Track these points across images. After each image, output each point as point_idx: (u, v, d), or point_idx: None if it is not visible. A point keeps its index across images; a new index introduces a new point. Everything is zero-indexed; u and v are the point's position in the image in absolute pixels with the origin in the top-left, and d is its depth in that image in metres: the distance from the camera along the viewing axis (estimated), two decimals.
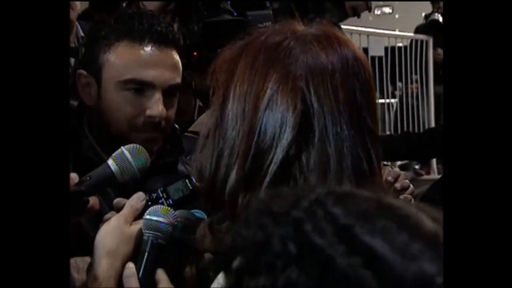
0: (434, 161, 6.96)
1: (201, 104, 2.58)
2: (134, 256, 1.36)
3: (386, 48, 6.76)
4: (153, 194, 1.44)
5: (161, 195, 1.44)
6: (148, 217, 1.36)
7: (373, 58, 6.18)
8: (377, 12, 11.64)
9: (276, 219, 0.71)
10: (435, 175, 6.66)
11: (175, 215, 1.38)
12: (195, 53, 2.29)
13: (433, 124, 7.13)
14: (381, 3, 11.49)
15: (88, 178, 1.43)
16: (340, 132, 1.14)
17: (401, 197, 1.86)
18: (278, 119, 1.13)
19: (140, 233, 1.37)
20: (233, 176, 1.15)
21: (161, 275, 1.36)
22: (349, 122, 1.14)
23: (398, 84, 7.22)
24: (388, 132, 6.85)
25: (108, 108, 1.76)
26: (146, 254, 1.35)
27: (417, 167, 6.99)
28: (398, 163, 6.13)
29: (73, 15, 2.74)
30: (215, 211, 1.22)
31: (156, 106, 1.73)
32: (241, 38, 1.23)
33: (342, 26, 4.39)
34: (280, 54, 1.16)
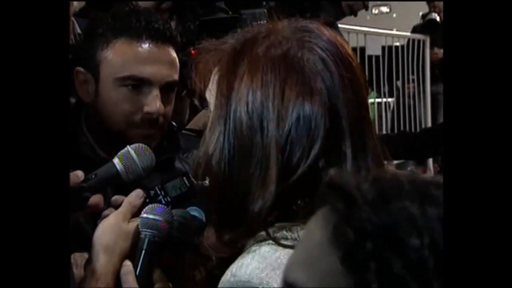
0: (430, 160, 6.97)
1: (196, 103, 2.59)
2: (132, 252, 1.37)
3: (383, 48, 6.76)
4: (151, 192, 1.44)
5: (159, 192, 1.45)
6: (145, 215, 1.37)
7: (370, 57, 6.19)
8: (375, 11, 11.63)
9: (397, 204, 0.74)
10: (431, 175, 6.66)
11: (171, 213, 1.39)
12: (192, 51, 2.29)
13: (429, 124, 7.14)
14: (378, 2, 11.48)
15: (93, 176, 1.44)
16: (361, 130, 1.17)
17: None
18: (306, 127, 1.13)
19: (138, 230, 1.37)
20: (268, 197, 1.13)
21: (157, 273, 1.37)
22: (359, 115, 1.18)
23: (396, 83, 7.23)
24: (385, 132, 6.86)
25: (106, 105, 1.77)
26: (143, 252, 1.36)
27: (413, 166, 7.00)
28: (395, 162, 6.14)
29: (70, 10, 2.74)
30: (221, 215, 1.22)
31: (153, 103, 1.73)
32: (225, 41, 1.24)
33: (339, 25, 4.40)
34: (291, 64, 1.16)
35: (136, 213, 1.39)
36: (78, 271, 1.46)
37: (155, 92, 1.74)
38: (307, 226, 0.83)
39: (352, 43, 5.69)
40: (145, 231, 1.36)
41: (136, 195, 1.41)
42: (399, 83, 7.12)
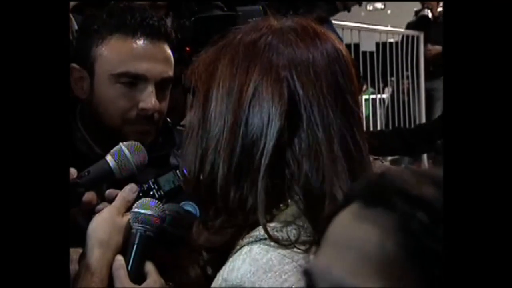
0: (425, 156, 6.98)
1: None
2: (126, 246, 1.37)
3: (377, 44, 6.77)
4: (144, 186, 1.45)
5: (152, 186, 1.46)
6: (136, 210, 1.38)
7: (364, 53, 6.19)
8: (369, 7, 11.64)
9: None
10: None
11: (163, 207, 1.39)
12: (187, 48, 2.30)
13: (424, 120, 7.14)
14: None
15: (86, 173, 1.45)
16: (327, 116, 1.17)
17: None
18: (264, 109, 1.16)
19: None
20: (220, 172, 1.16)
21: (150, 268, 1.37)
22: (334, 106, 1.18)
23: (390, 79, 7.23)
24: (379, 128, 6.87)
25: (101, 102, 1.77)
26: (135, 246, 1.37)
27: (408, 163, 7.01)
28: (389, 158, 6.15)
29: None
30: (206, 207, 1.23)
31: (149, 99, 1.74)
32: (217, 40, 1.25)
33: (333, 22, 4.39)
34: (260, 49, 1.19)
35: (130, 207, 1.40)
36: (72, 266, 1.47)
37: (150, 89, 1.75)
38: (346, 226, 0.82)
39: (347, 40, 5.69)
40: (137, 225, 1.37)
41: (129, 190, 1.42)
42: (394, 79, 7.13)
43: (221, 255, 1.19)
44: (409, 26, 7.65)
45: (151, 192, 1.45)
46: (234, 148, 1.16)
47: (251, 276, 1.09)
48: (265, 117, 1.15)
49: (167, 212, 1.40)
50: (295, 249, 1.12)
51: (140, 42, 1.75)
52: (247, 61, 1.19)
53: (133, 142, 1.51)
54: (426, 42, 7.19)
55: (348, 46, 5.79)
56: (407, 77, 7.15)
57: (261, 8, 2.38)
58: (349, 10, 4.29)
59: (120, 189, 1.43)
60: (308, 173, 1.14)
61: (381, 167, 1.88)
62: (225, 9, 2.41)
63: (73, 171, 1.42)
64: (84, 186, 1.43)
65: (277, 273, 1.09)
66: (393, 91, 7.24)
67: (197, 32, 2.30)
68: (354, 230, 0.80)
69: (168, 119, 1.91)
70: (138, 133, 1.72)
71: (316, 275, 0.82)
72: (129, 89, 1.75)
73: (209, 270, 1.23)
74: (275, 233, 1.12)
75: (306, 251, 1.12)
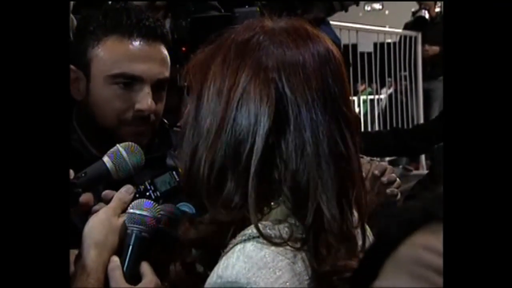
0: (423, 157, 6.99)
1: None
2: (122, 247, 1.37)
3: (375, 44, 6.77)
4: (140, 187, 1.45)
5: (148, 187, 1.46)
6: (131, 211, 1.38)
7: (362, 54, 6.20)
8: (367, 8, 11.66)
9: None
10: (423, 171, 6.68)
11: (159, 208, 1.39)
12: (183, 48, 2.30)
13: (422, 120, 7.15)
14: None
15: (83, 174, 1.45)
16: (315, 118, 1.17)
17: (388, 191, 1.87)
18: (252, 110, 1.17)
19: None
20: (206, 168, 1.18)
21: (145, 268, 1.37)
22: (323, 108, 1.18)
23: (388, 79, 7.24)
24: (377, 128, 6.87)
25: (97, 103, 1.77)
26: (130, 247, 1.36)
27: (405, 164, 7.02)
28: (387, 159, 6.16)
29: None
30: (198, 205, 1.25)
31: (145, 100, 1.74)
32: (214, 39, 1.26)
33: (331, 22, 4.40)
34: (250, 48, 1.20)
35: (126, 208, 1.40)
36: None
37: (147, 90, 1.74)
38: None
39: (344, 40, 5.70)
40: (132, 226, 1.37)
41: (126, 191, 1.42)
42: (392, 79, 7.14)
43: (210, 252, 1.20)
44: (406, 27, 7.67)
45: (148, 193, 1.45)
46: (221, 146, 1.18)
47: (246, 272, 1.10)
48: (252, 118, 1.17)
49: (162, 213, 1.40)
50: (288, 247, 1.13)
51: (136, 43, 1.74)
52: (238, 60, 1.20)
53: (130, 143, 1.51)
54: (423, 43, 7.20)
55: (345, 46, 5.80)
56: (405, 78, 7.16)
57: (258, 9, 2.38)
58: (346, 10, 4.29)
59: (117, 190, 1.43)
60: (294, 174, 1.16)
61: (377, 167, 1.88)
62: (222, 10, 2.41)
63: (70, 172, 1.42)
64: (81, 187, 1.43)
65: (271, 269, 1.11)
66: (391, 92, 7.24)
67: (193, 32, 2.30)
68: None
69: (165, 120, 1.91)
70: (134, 134, 1.72)
71: None
72: (125, 90, 1.75)
73: (200, 268, 1.24)
74: (268, 231, 1.14)
75: (298, 249, 1.14)
